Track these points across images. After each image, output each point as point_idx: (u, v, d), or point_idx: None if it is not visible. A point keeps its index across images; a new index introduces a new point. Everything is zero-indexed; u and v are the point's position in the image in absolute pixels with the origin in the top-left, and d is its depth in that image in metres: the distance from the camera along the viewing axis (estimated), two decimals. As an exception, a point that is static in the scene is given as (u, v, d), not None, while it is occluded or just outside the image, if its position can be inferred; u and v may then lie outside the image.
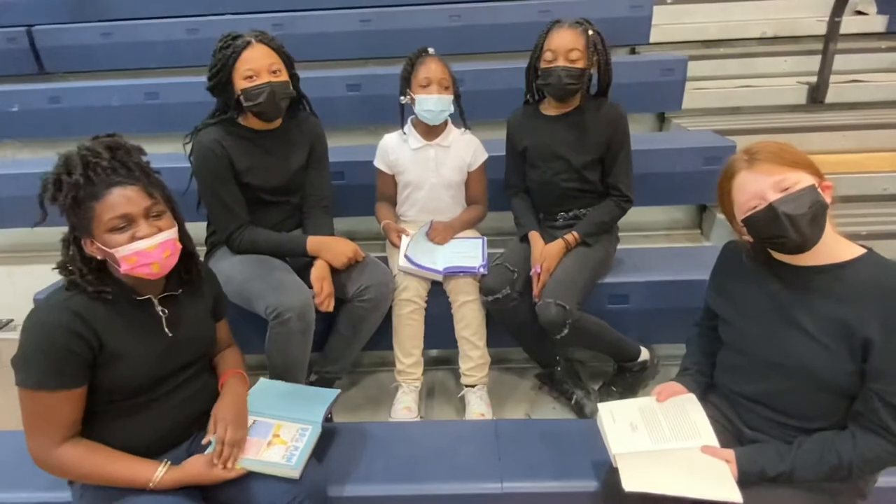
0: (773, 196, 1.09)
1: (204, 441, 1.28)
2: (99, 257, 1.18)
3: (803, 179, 1.09)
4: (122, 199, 1.14)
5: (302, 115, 1.92)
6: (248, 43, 1.69)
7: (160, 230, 1.18)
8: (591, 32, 1.77)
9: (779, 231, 1.09)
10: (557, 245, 1.86)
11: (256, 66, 1.69)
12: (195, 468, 1.23)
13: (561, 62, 1.76)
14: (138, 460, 1.21)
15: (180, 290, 1.32)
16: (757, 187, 1.11)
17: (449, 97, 1.93)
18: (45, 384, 1.12)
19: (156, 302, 1.26)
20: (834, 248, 1.13)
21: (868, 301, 1.08)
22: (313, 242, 1.81)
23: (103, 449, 1.20)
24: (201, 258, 1.92)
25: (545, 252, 1.85)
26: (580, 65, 1.77)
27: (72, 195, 1.12)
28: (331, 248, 1.80)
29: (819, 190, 1.09)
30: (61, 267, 1.20)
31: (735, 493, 1.11)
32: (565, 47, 1.76)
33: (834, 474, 1.11)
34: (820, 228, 1.09)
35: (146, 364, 1.22)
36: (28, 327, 1.13)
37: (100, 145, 1.16)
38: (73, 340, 1.12)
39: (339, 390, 1.57)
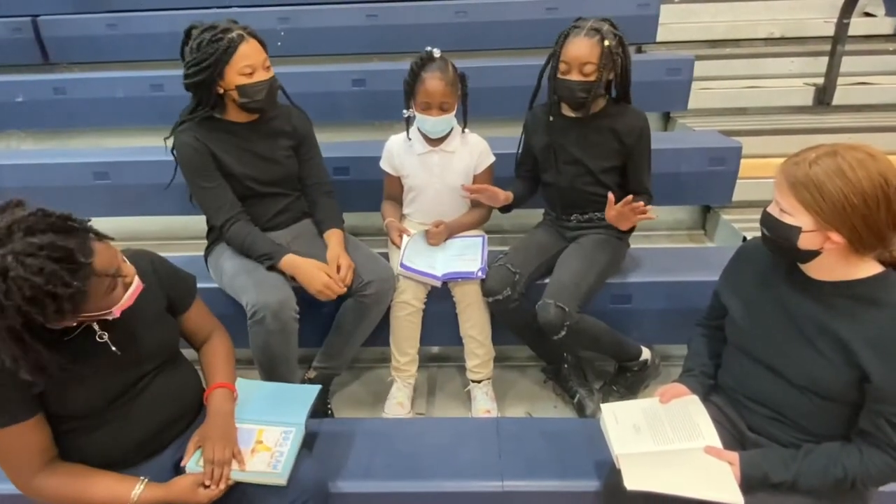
0: (773, 208, 1.13)
1: (183, 463, 1.24)
2: (73, 324, 1.10)
3: (798, 218, 1.06)
4: (108, 256, 1.08)
5: (279, 104, 1.86)
6: (242, 37, 1.65)
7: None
8: (607, 43, 1.67)
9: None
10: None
11: (253, 62, 1.67)
12: (180, 488, 1.19)
13: (574, 76, 1.70)
14: (117, 479, 1.18)
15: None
16: (776, 193, 1.12)
17: (450, 116, 1.88)
18: None
19: (96, 327, 1.18)
20: (852, 266, 1.10)
21: (867, 321, 1.07)
22: (288, 261, 1.73)
23: (81, 472, 1.17)
24: (200, 253, 1.92)
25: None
26: (593, 78, 1.70)
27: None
28: (305, 274, 1.72)
29: (805, 233, 1.06)
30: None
31: (737, 495, 1.11)
32: (580, 60, 1.68)
33: (837, 486, 1.11)
34: (794, 256, 1.13)
35: (98, 388, 1.17)
36: None
37: (84, 230, 1.06)
38: (13, 380, 1.06)
39: (319, 386, 1.51)
